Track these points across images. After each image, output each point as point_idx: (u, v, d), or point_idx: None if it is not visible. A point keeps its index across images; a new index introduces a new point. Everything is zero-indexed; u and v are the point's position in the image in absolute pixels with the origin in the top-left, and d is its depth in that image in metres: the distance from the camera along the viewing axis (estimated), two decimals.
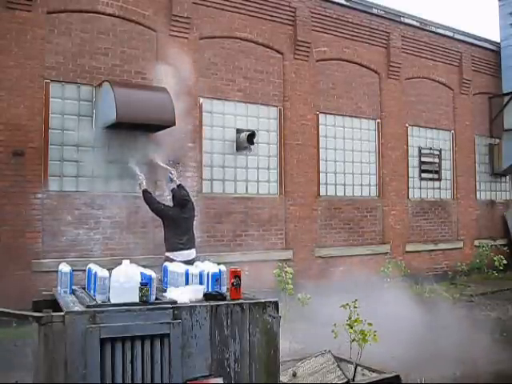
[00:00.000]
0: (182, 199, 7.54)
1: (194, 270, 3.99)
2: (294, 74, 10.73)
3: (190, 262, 5.48)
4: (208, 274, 3.88)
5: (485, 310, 8.79)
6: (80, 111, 8.46)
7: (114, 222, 8.50)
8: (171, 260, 6.53)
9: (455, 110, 13.61)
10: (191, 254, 7.39)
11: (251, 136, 9.87)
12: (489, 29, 37.01)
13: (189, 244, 7.43)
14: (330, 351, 4.81)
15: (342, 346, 5.47)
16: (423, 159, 12.99)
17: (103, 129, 8.38)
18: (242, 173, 10.10)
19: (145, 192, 7.59)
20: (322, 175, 11.15)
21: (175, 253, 7.21)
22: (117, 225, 8.52)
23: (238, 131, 9.99)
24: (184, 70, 9.29)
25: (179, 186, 7.75)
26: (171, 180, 7.94)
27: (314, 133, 11.03)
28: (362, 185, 11.80)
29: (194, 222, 7.88)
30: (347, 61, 11.60)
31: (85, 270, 3.90)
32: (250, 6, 10.16)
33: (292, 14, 10.71)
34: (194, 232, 7.79)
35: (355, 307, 5.65)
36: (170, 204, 7.80)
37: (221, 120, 9.89)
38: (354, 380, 4.56)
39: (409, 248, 12.31)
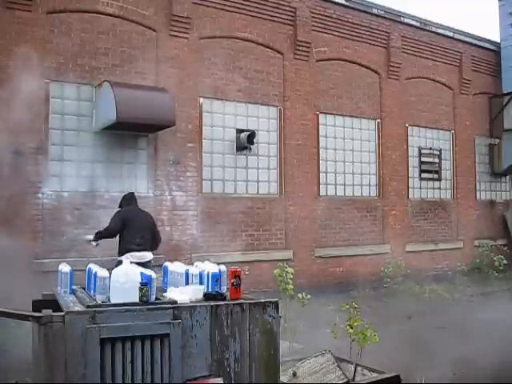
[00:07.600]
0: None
1: (194, 270, 3.99)
2: (293, 74, 10.73)
3: (144, 265, 5.16)
4: (208, 274, 3.88)
5: (485, 310, 8.77)
6: (80, 111, 8.47)
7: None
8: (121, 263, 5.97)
9: (455, 110, 13.61)
10: (145, 256, 6.82)
11: (251, 136, 9.87)
12: (489, 29, 37.01)
13: (142, 246, 6.86)
14: (330, 351, 4.79)
15: (342, 346, 5.47)
16: (423, 159, 12.99)
17: (103, 129, 8.38)
18: (242, 173, 10.10)
19: (98, 233, 6.94)
20: (322, 175, 11.15)
21: (127, 254, 6.67)
22: None
23: (238, 131, 10.00)
24: (184, 69, 9.31)
25: None
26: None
27: (314, 133, 11.03)
28: (362, 185, 11.79)
29: (195, 222, 7.72)
30: (347, 61, 11.60)
31: (85, 270, 3.90)
32: (250, 5, 10.16)
33: (292, 14, 10.71)
34: (149, 235, 7.05)
35: (355, 307, 5.65)
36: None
37: (221, 120, 9.88)
38: (354, 380, 4.55)
39: (409, 248, 12.30)
